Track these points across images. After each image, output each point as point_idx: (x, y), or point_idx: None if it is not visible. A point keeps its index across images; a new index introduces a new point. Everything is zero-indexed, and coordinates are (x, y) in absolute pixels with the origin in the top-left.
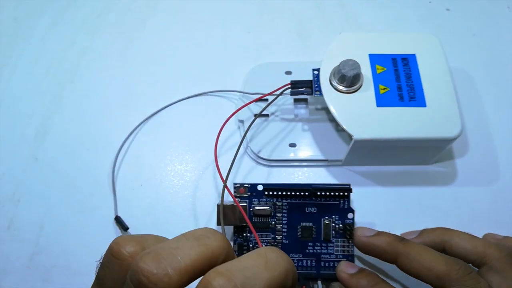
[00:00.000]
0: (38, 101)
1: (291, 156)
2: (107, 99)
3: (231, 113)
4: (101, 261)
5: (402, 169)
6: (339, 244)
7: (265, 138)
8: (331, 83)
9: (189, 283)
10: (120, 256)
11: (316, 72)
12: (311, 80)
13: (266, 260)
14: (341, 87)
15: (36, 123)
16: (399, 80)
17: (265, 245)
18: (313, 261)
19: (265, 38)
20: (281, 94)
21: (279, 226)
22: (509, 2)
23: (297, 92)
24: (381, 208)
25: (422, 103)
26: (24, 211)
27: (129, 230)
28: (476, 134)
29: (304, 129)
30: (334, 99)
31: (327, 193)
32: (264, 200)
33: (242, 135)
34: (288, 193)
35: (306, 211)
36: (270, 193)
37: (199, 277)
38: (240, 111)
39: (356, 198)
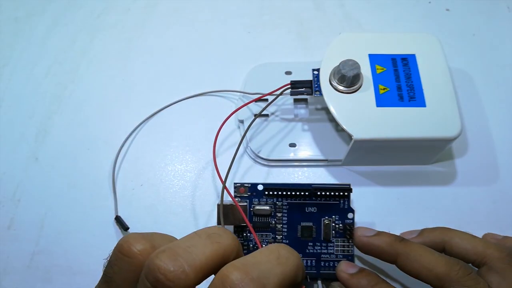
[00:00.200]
0: (39, 101)
1: (291, 156)
2: (107, 99)
3: (231, 116)
4: (108, 259)
5: (402, 169)
6: (339, 244)
7: (265, 138)
8: (331, 83)
9: (204, 280)
10: (130, 254)
11: (316, 72)
12: (311, 80)
13: (278, 255)
14: (341, 87)
15: (36, 123)
16: (399, 80)
17: (265, 245)
18: (313, 261)
19: (265, 38)
20: (281, 94)
21: (279, 226)
22: (509, 2)
23: (297, 92)
24: (381, 208)
25: (422, 103)
26: (25, 211)
27: (129, 230)
28: (476, 134)
29: (304, 129)
30: (334, 99)
31: (327, 193)
32: (264, 200)
33: (242, 135)
34: (288, 193)
35: (306, 211)
36: (270, 193)
37: (212, 274)
38: (240, 111)
39: (356, 198)
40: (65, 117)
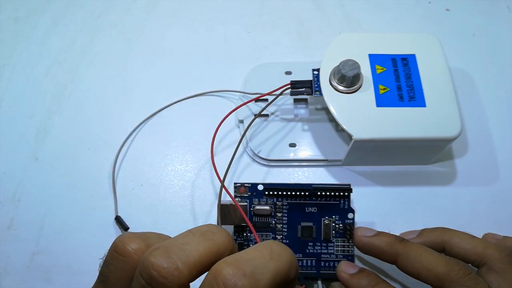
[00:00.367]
0: (39, 101)
1: (291, 156)
2: (107, 99)
3: (230, 114)
4: (104, 258)
5: (402, 169)
6: (339, 244)
7: (265, 138)
8: (331, 83)
9: (198, 277)
10: (125, 253)
11: (316, 72)
12: (311, 80)
13: (271, 251)
14: (341, 87)
15: (36, 123)
16: (399, 80)
17: None
18: (313, 261)
19: (265, 38)
20: (281, 94)
21: (279, 226)
22: (509, 2)
23: (297, 92)
24: (381, 208)
25: (422, 103)
26: (25, 211)
27: (129, 230)
28: (476, 134)
29: (304, 129)
30: (334, 99)
31: (327, 193)
32: (265, 200)
33: (242, 134)
34: (289, 193)
35: (306, 211)
36: (271, 193)
37: (206, 271)
38: (240, 111)
39: (356, 198)
40: (65, 117)
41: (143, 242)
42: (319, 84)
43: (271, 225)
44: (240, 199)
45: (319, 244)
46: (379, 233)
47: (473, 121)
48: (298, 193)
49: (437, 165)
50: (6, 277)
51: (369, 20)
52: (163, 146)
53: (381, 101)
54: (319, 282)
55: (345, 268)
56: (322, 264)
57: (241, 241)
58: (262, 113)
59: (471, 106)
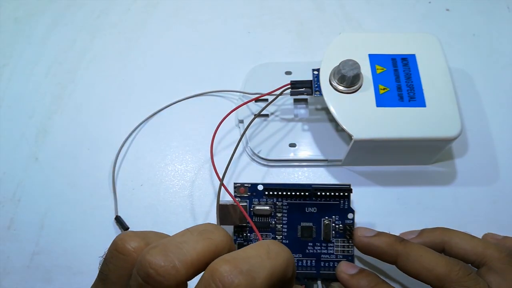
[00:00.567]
0: (39, 101)
1: (291, 156)
2: (107, 99)
3: (230, 114)
4: (104, 257)
5: (402, 169)
6: (339, 244)
7: (265, 138)
8: (331, 83)
9: (195, 275)
10: (125, 251)
11: (316, 72)
12: (311, 80)
13: (268, 250)
14: (341, 87)
15: (36, 123)
16: (399, 80)
17: None
18: (313, 261)
19: (265, 38)
20: (281, 94)
21: (279, 226)
22: (509, 2)
23: (297, 92)
24: (381, 208)
25: (422, 103)
26: (25, 211)
27: (129, 230)
28: (476, 134)
29: (304, 129)
30: (334, 99)
31: (327, 193)
32: (264, 200)
33: (241, 134)
34: (288, 193)
35: (306, 211)
36: (270, 193)
37: (204, 270)
38: (240, 111)
39: (356, 198)
40: (65, 117)
41: (142, 241)
42: (319, 84)
43: (271, 225)
44: (240, 199)
45: (319, 244)
46: (379, 233)
47: (473, 121)
48: (298, 193)
49: (437, 165)
50: (6, 277)
51: (369, 20)
52: (163, 146)
53: (381, 101)
54: (319, 282)
55: (344, 269)
56: (322, 264)
57: (241, 241)
58: (262, 113)
59: (471, 106)
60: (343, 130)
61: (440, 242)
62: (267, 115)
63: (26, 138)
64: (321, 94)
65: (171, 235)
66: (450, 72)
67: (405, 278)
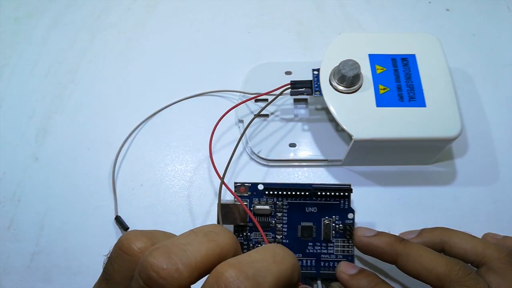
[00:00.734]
0: (39, 101)
1: (291, 156)
2: (107, 99)
3: (228, 112)
4: (109, 255)
5: (402, 169)
6: (339, 244)
7: (265, 138)
8: (331, 83)
9: (199, 279)
10: (130, 251)
11: (316, 72)
12: (311, 80)
13: (274, 254)
14: (341, 87)
15: (36, 123)
16: (399, 80)
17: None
18: (313, 261)
19: (265, 38)
20: (280, 94)
21: (279, 226)
22: (509, 2)
23: (297, 92)
24: (381, 208)
25: (422, 103)
26: (25, 211)
27: (129, 230)
28: (476, 134)
29: (304, 129)
30: (334, 99)
31: (328, 193)
32: (265, 199)
33: (241, 134)
34: (289, 193)
35: (307, 211)
36: (271, 192)
37: (208, 274)
38: (240, 111)
39: (356, 198)
40: (65, 117)
41: (149, 241)
42: (319, 84)
43: (271, 224)
44: (240, 199)
45: (319, 244)
46: (379, 233)
47: (473, 121)
48: (298, 193)
49: (437, 165)
50: (6, 277)
51: (369, 20)
52: (163, 146)
53: (381, 101)
54: (319, 282)
55: (344, 269)
56: (322, 264)
57: (241, 240)
58: (262, 113)
59: (471, 106)
60: (343, 130)
61: (439, 242)
62: (267, 115)
63: (26, 138)
64: (321, 94)
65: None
66: (450, 72)
67: (405, 278)
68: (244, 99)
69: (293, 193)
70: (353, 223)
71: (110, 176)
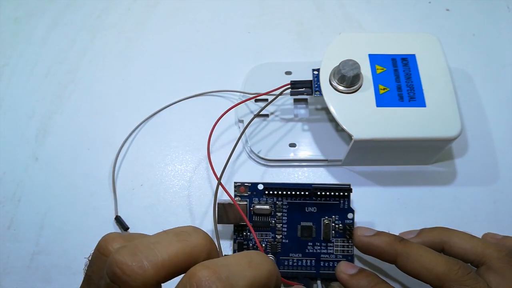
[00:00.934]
0: (39, 101)
1: (291, 156)
2: (107, 99)
3: (229, 112)
4: (90, 258)
5: (402, 169)
6: (338, 244)
7: (265, 138)
8: (331, 83)
9: (168, 278)
10: (106, 252)
11: (316, 72)
12: (311, 80)
13: (250, 259)
14: (341, 87)
15: (36, 123)
16: (399, 80)
17: (264, 244)
18: (313, 260)
19: (265, 38)
20: (280, 94)
21: (279, 226)
22: (509, 2)
23: (297, 92)
24: (381, 208)
25: (422, 103)
26: (25, 211)
27: (129, 230)
28: (476, 134)
29: (304, 129)
30: (334, 99)
31: (327, 193)
32: (265, 199)
33: (240, 133)
34: (289, 193)
35: (306, 210)
36: (271, 192)
37: (180, 274)
38: (239, 111)
39: (356, 198)
40: (65, 117)
41: (125, 242)
42: (319, 84)
43: (271, 224)
44: (240, 199)
45: (318, 244)
46: (379, 233)
47: (473, 121)
48: (298, 192)
49: (437, 165)
50: (6, 277)
51: (369, 20)
52: (163, 146)
53: (381, 101)
54: (319, 282)
55: (344, 269)
56: (322, 264)
57: (241, 240)
58: (262, 113)
59: (471, 106)
60: (343, 130)
61: (439, 242)
62: (267, 115)
63: (26, 138)
64: (321, 94)
65: None
66: (450, 72)
67: (405, 278)
68: (244, 99)
69: (293, 193)
70: (353, 223)
71: (110, 176)
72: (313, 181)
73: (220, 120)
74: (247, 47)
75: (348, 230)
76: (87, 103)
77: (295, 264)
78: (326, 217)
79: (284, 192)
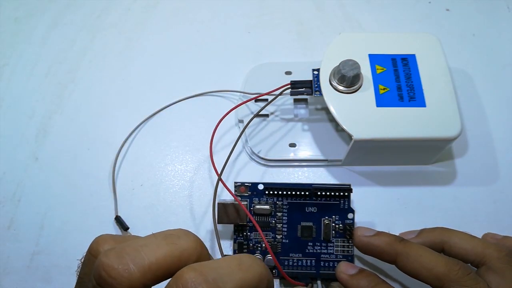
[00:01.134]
0: (39, 101)
1: (291, 156)
2: (107, 99)
3: (230, 112)
4: (82, 260)
5: (402, 169)
6: (339, 244)
7: (265, 138)
8: (331, 83)
9: (156, 282)
10: (97, 254)
11: (316, 72)
12: (311, 80)
13: (240, 262)
14: (341, 87)
15: (36, 123)
16: (399, 80)
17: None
18: (313, 260)
19: (265, 38)
20: (280, 94)
21: (279, 226)
22: (509, 2)
23: (297, 92)
24: (381, 208)
25: (422, 103)
26: (25, 211)
27: (129, 230)
28: (476, 134)
29: (304, 129)
30: (334, 99)
31: (328, 193)
32: (265, 199)
33: (240, 133)
34: (289, 193)
35: (306, 210)
36: (271, 192)
37: (169, 277)
38: (240, 111)
39: (356, 198)
40: (65, 117)
41: (116, 244)
42: (319, 84)
43: (271, 224)
44: (240, 198)
45: (318, 244)
46: (379, 233)
47: (473, 121)
48: (298, 192)
49: (437, 165)
50: (6, 277)
51: (369, 20)
52: (163, 146)
53: (381, 101)
54: (319, 282)
55: (344, 269)
56: (322, 264)
57: (241, 240)
58: (262, 113)
59: (471, 106)
60: (343, 130)
61: (439, 242)
62: (267, 115)
63: (26, 138)
64: (321, 94)
65: None
66: (450, 72)
67: (405, 278)
68: (244, 99)
69: (293, 193)
70: (353, 223)
71: (110, 176)
72: (313, 181)
73: (217, 120)
74: (247, 47)
75: (348, 230)
76: (87, 103)
77: (295, 264)
78: (326, 217)
79: (284, 192)
